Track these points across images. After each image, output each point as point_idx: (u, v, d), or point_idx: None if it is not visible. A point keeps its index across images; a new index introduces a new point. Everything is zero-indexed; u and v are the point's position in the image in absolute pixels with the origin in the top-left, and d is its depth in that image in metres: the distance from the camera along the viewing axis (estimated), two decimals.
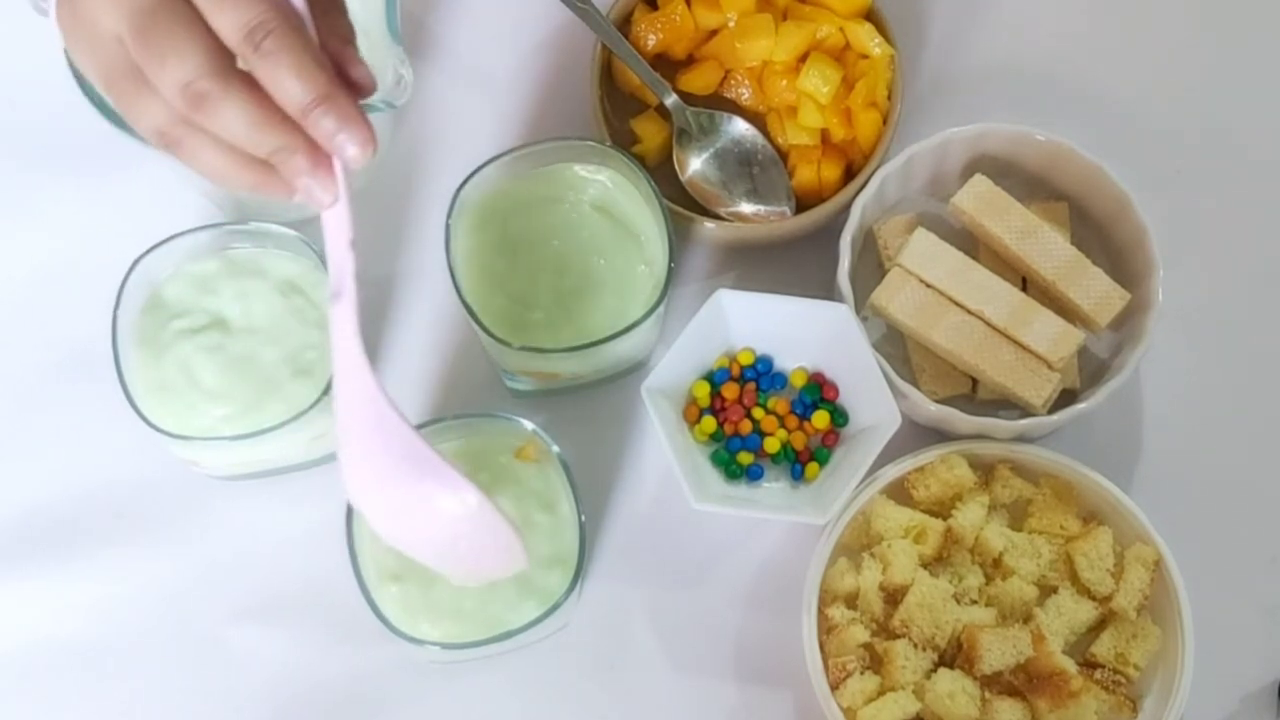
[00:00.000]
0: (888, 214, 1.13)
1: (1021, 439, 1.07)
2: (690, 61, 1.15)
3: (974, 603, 1.03)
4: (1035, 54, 1.21)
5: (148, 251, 1.01)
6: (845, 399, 1.09)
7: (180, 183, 1.15)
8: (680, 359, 1.06)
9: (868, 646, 1.02)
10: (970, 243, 1.11)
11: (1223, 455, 1.11)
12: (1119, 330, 1.10)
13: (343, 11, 0.84)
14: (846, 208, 1.09)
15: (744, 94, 1.13)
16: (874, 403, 1.04)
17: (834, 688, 1.00)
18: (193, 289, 1.03)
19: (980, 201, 1.09)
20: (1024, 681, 1.02)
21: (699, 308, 1.05)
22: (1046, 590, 1.04)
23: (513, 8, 1.20)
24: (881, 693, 1.01)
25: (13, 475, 1.09)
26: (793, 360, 1.10)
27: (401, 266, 1.14)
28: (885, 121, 1.11)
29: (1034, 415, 1.06)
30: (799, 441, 1.08)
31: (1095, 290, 1.07)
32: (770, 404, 1.09)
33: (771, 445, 1.07)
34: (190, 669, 1.06)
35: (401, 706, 1.05)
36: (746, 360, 1.09)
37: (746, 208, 1.11)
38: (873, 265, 1.12)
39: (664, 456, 1.04)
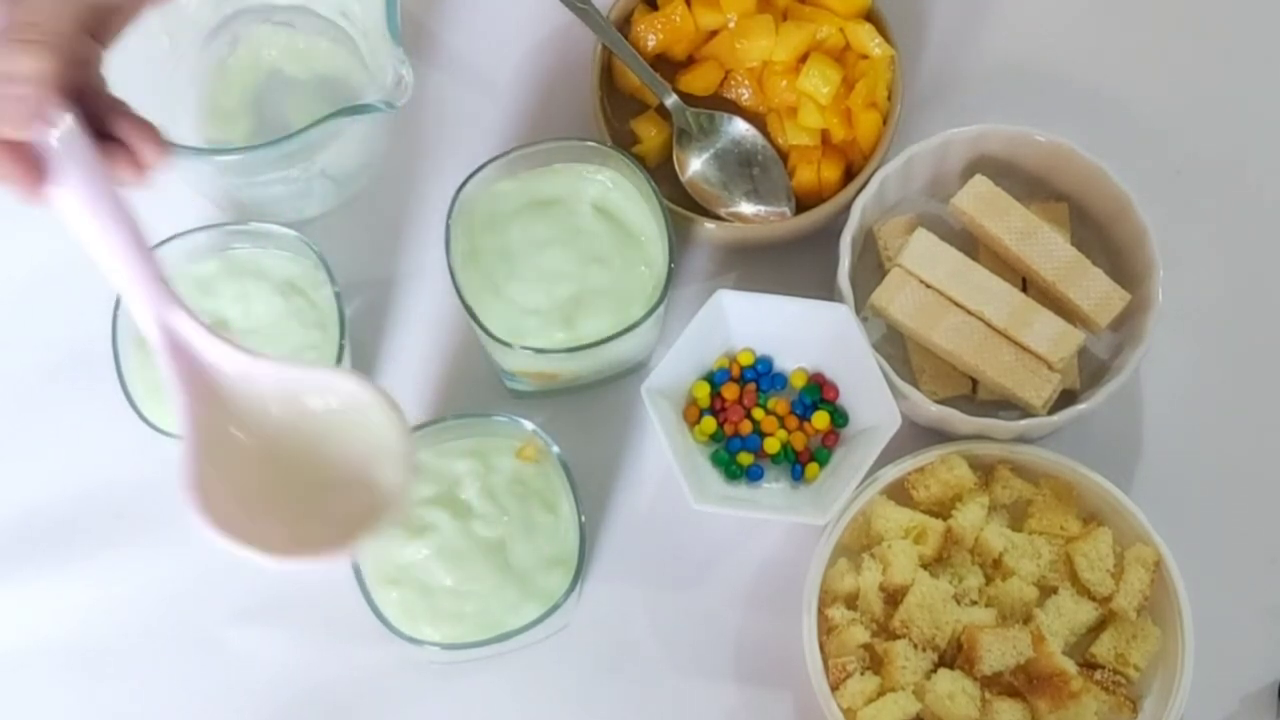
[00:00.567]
0: (888, 214, 1.13)
1: (1021, 439, 1.07)
2: (690, 62, 1.15)
3: (974, 603, 1.03)
4: (1035, 54, 1.21)
5: None
6: (845, 399, 1.09)
7: (180, 184, 1.15)
8: (680, 359, 1.06)
9: (868, 647, 1.02)
10: (970, 243, 1.11)
11: (1223, 455, 1.11)
12: (1119, 331, 1.10)
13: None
14: (846, 208, 1.09)
15: (744, 94, 1.13)
16: (874, 403, 1.04)
17: (834, 688, 1.01)
18: (193, 290, 1.03)
19: (980, 202, 1.09)
20: (1024, 682, 1.02)
21: (699, 308, 1.05)
22: (1046, 591, 1.04)
23: (513, 8, 1.20)
24: (881, 693, 1.01)
25: (13, 475, 1.10)
26: (793, 361, 1.10)
27: (402, 267, 1.14)
28: (885, 122, 1.11)
29: (1034, 416, 1.06)
30: (799, 442, 1.08)
31: (1095, 291, 1.07)
32: (770, 404, 1.09)
33: (771, 446, 1.07)
34: (190, 669, 1.06)
35: (402, 707, 1.05)
36: (746, 361, 1.09)
37: (746, 208, 1.11)
38: (873, 266, 1.12)
39: (664, 457, 1.04)
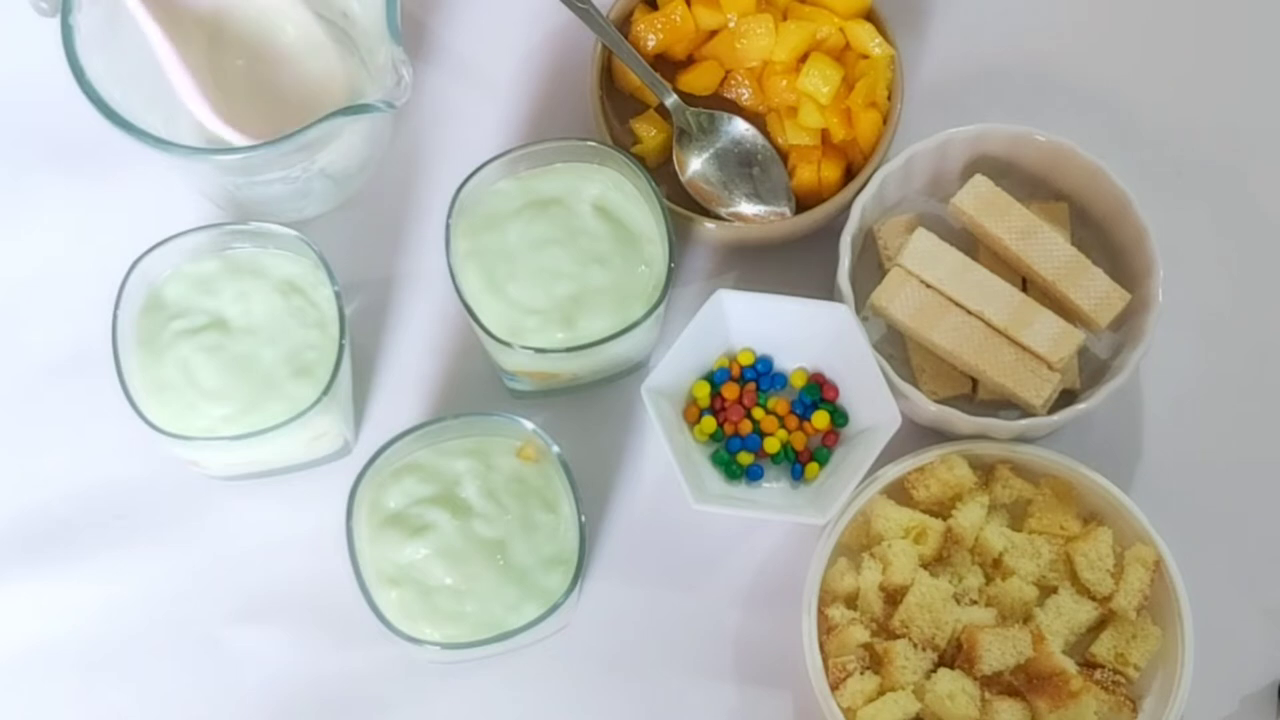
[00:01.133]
0: (888, 214, 1.13)
1: (1021, 439, 1.07)
2: (690, 62, 1.15)
3: (974, 603, 1.03)
4: (1036, 54, 1.20)
5: (147, 252, 1.01)
6: (845, 399, 1.09)
7: (180, 183, 1.15)
8: (680, 359, 1.06)
9: (867, 647, 1.02)
10: (970, 243, 1.11)
11: (1223, 455, 1.11)
12: (1119, 330, 1.10)
13: None
14: (846, 208, 1.09)
15: (744, 94, 1.13)
16: (874, 403, 1.04)
17: (834, 688, 1.01)
18: (192, 289, 1.03)
19: (980, 202, 1.09)
20: (1024, 682, 1.02)
21: (699, 308, 1.05)
22: (1046, 590, 1.04)
23: (513, 8, 1.20)
24: (881, 693, 1.01)
25: (13, 475, 1.10)
26: (793, 360, 1.10)
27: (402, 267, 1.14)
28: (885, 122, 1.11)
29: (1034, 415, 1.06)
30: (799, 442, 1.08)
31: (1095, 290, 1.07)
32: (770, 404, 1.09)
33: (771, 445, 1.07)
34: (190, 669, 1.06)
35: (402, 707, 1.05)
36: (746, 360, 1.09)
37: (746, 208, 1.11)
38: (873, 265, 1.12)
39: (664, 457, 1.04)
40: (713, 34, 1.13)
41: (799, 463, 1.08)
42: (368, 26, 1.08)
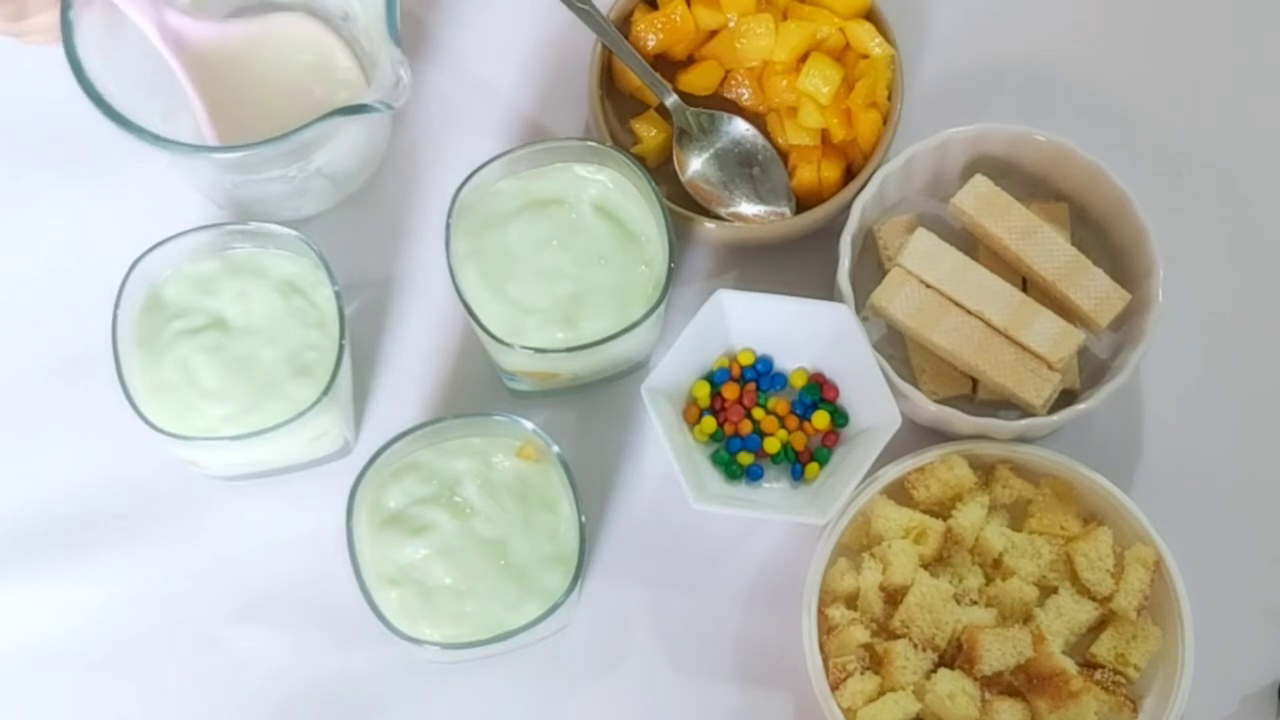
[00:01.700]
0: (888, 214, 1.13)
1: (1021, 439, 1.07)
2: (690, 62, 1.15)
3: (974, 603, 1.03)
4: (1035, 54, 1.21)
5: (147, 252, 1.01)
6: (845, 399, 1.09)
7: (180, 183, 1.15)
8: (680, 359, 1.06)
9: (868, 647, 1.02)
10: (970, 243, 1.11)
11: (1223, 455, 1.12)
12: (1119, 330, 1.10)
13: None
14: (846, 208, 1.09)
15: (744, 94, 1.13)
16: (874, 403, 1.05)
17: (834, 688, 1.01)
18: (192, 289, 1.03)
19: (980, 202, 1.09)
20: (1024, 682, 1.02)
21: (699, 308, 1.05)
22: (1046, 591, 1.04)
23: (513, 8, 1.20)
24: (881, 693, 1.01)
25: (13, 475, 1.09)
26: (793, 360, 1.10)
27: (402, 267, 1.14)
28: (885, 122, 1.11)
29: (1034, 416, 1.06)
30: (799, 442, 1.08)
31: (1095, 290, 1.07)
32: (770, 404, 1.09)
33: (771, 445, 1.07)
34: (190, 669, 1.06)
35: (402, 707, 1.05)
36: (746, 360, 1.09)
37: (747, 208, 1.11)
38: (873, 266, 1.12)
39: (664, 457, 1.04)
40: (713, 34, 1.13)
41: (799, 463, 1.08)
42: (368, 27, 1.08)
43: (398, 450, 0.99)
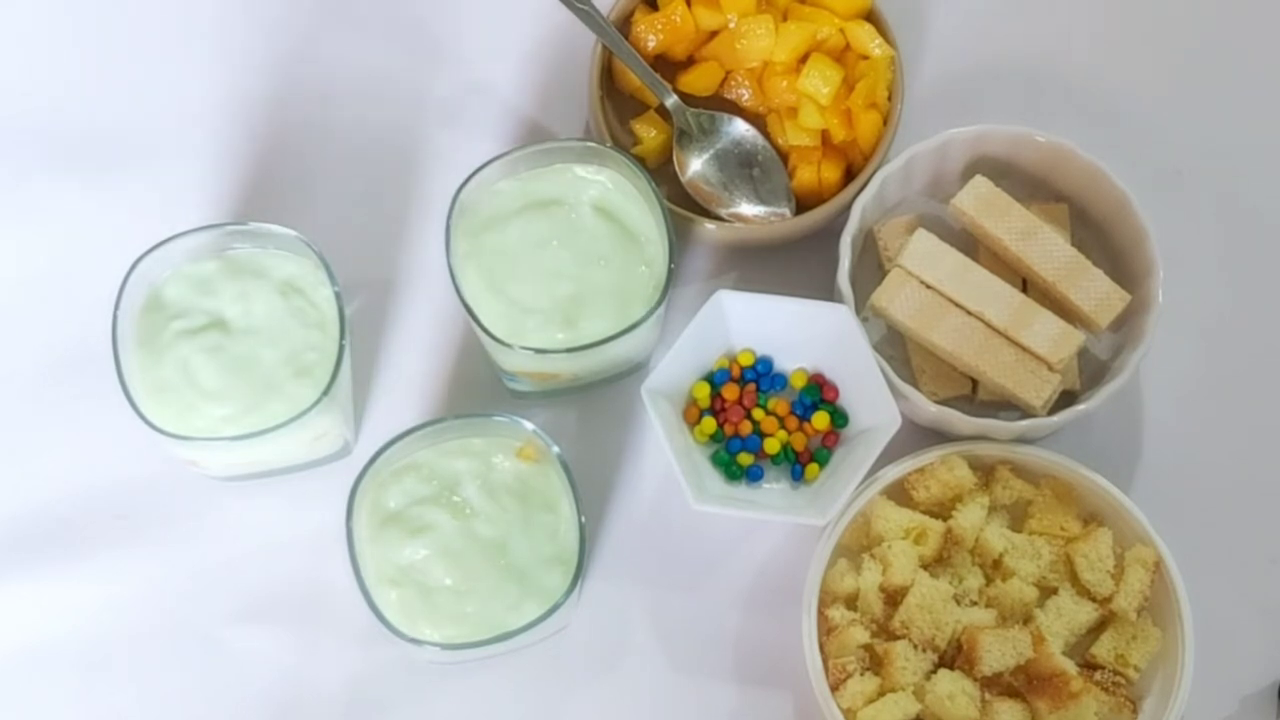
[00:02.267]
0: (888, 215, 1.13)
1: (1022, 440, 1.07)
2: (690, 62, 1.15)
3: (974, 604, 1.03)
4: (1035, 55, 1.21)
5: (147, 252, 1.01)
6: (845, 400, 1.09)
7: (180, 183, 1.15)
8: (680, 360, 1.06)
9: (868, 647, 1.02)
10: (970, 244, 1.11)
11: (1223, 456, 1.12)
12: (1119, 331, 1.10)
13: None
14: (847, 209, 1.09)
15: (744, 95, 1.13)
16: (874, 404, 1.04)
17: (834, 689, 1.01)
18: (192, 290, 1.03)
19: (980, 202, 1.09)
20: (1024, 683, 1.02)
21: (699, 308, 1.05)
22: (1046, 591, 1.04)
23: (513, 9, 1.20)
24: (881, 694, 1.01)
25: (13, 476, 1.09)
26: (793, 361, 1.10)
27: (402, 267, 1.14)
28: (885, 122, 1.11)
29: (1034, 416, 1.06)
30: (799, 442, 1.08)
31: (1095, 291, 1.07)
32: (770, 405, 1.09)
33: (771, 446, 1.07)
34: (190, 669, 1.06)
35: (402, 707, 1.05)
36: (747, 361, 1.09)
37: (747, 209, 1.11)
38: (873, 266, 1.12)
39: (664, 457, 1.04)
40: (713, 35, 1.13)
41: (799, 463, 1.08)
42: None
43: (398, 451, 0.99)
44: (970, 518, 1.04)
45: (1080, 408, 1.05)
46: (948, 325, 1.06)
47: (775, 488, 1.08)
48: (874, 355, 1.05)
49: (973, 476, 1.05)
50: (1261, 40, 1.22)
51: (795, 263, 1.13)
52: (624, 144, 1.12)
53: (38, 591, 1.07)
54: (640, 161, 1.06)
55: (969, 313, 1.06)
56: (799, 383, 1.09)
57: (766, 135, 1.13)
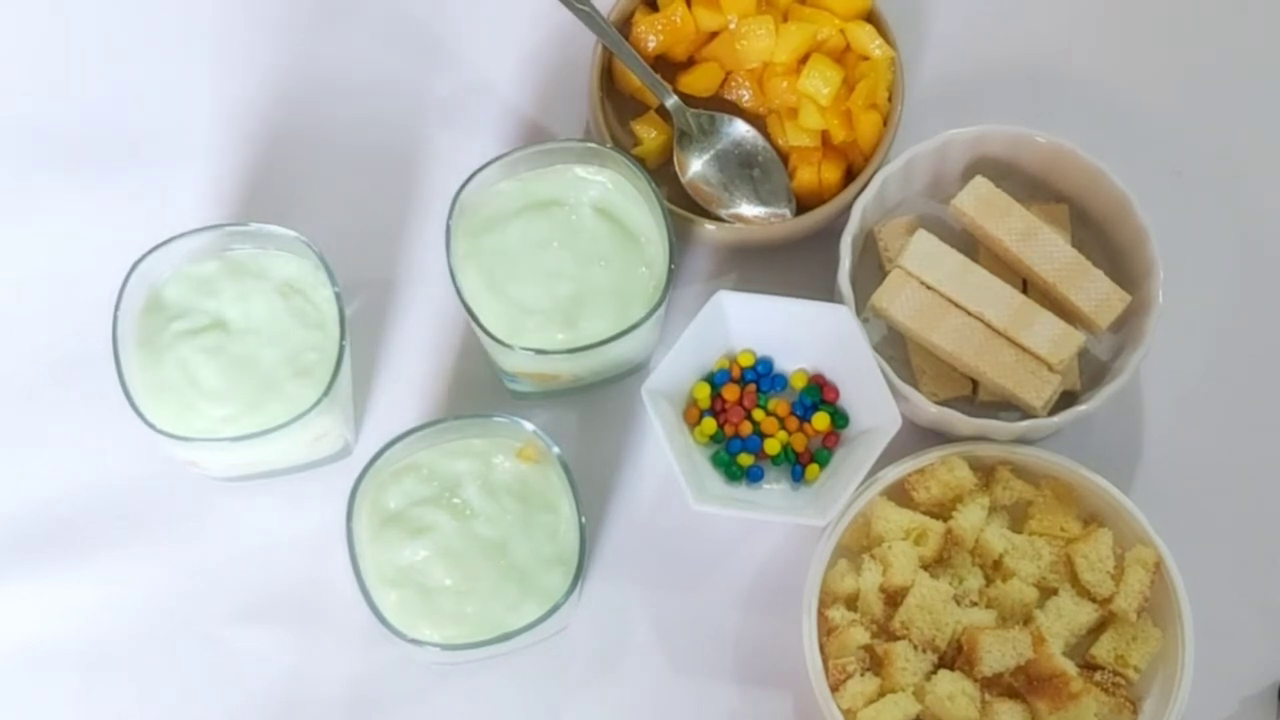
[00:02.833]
0: (888, 216, 1.13)
1: (1022, 441, 1.07)
2: (691, 63, 1.15)
3: (974, 604, 1.03)
4: (1035, 55, 1.21)
5: (148, 253, 1.01)
6: (845, 401, 1.09)
7: (180, 184, 1.15)
8: (680, 360, 1.06)
9: (868, 648, 1.02)
10: (971, 244, 1.11)
11: (1223, 457, 1.12)
12: (1119, 332, 1.10)
13: None
14: (847, 209, 1.09)
15: (744, 95, 1.13)
16: (874, 404, 1.04)
17: (834, 689, 1.01)
18: (193, 290, 1.03)
19: (981, 203, 1.09)
20: (1024, 683, 1.02)
21: (699, 309, 1.05)
22: (1047, 592, 1.04)
23: (513, 9, 1.20)
24: (881, 694, 1.01)
25: (13, 475, 1.09)
26: (793, 362, 1.10)
27: (402, 268, 1.14)
28: (886, 123, 1.11)
29: (1034, 417, 1.06)
30: (799, 443, 1.08)
31: (1096, 292, 1.07)
32: (771, 405, 1.09)
33: (772, 447, 1.07)
34: (190, 669, 1.06)
35: (402, 707, 1.05)
36: (747, 362, 1.09)
37: (747, 209, 1.11)
38: (873, 267, 1.12)
39: (664, 458, 1.04)
40: (713, 35, 1.13)
41: (799, 464, 1.08)
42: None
43: (398, 451, 0.99)
44: (970, 518, 1.04)
45: (1080, 408, 1.05)
46: (948, 326, 1.06)
47: (775, 488, 1.08)
48: (874, 356, 1.05)
49: (973, 477, 1.05)
50: (1262, 40, 1.22)
51: (795, 263, 1.13)
52: (624, 145, 1.12)
53: (38, 591, 1.07)
54: (640, 162, 1.06)
55: (969, 313, 1.06)
56: (799, 383, 1.09)
57: (767, 136, 1.13)
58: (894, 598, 1.03)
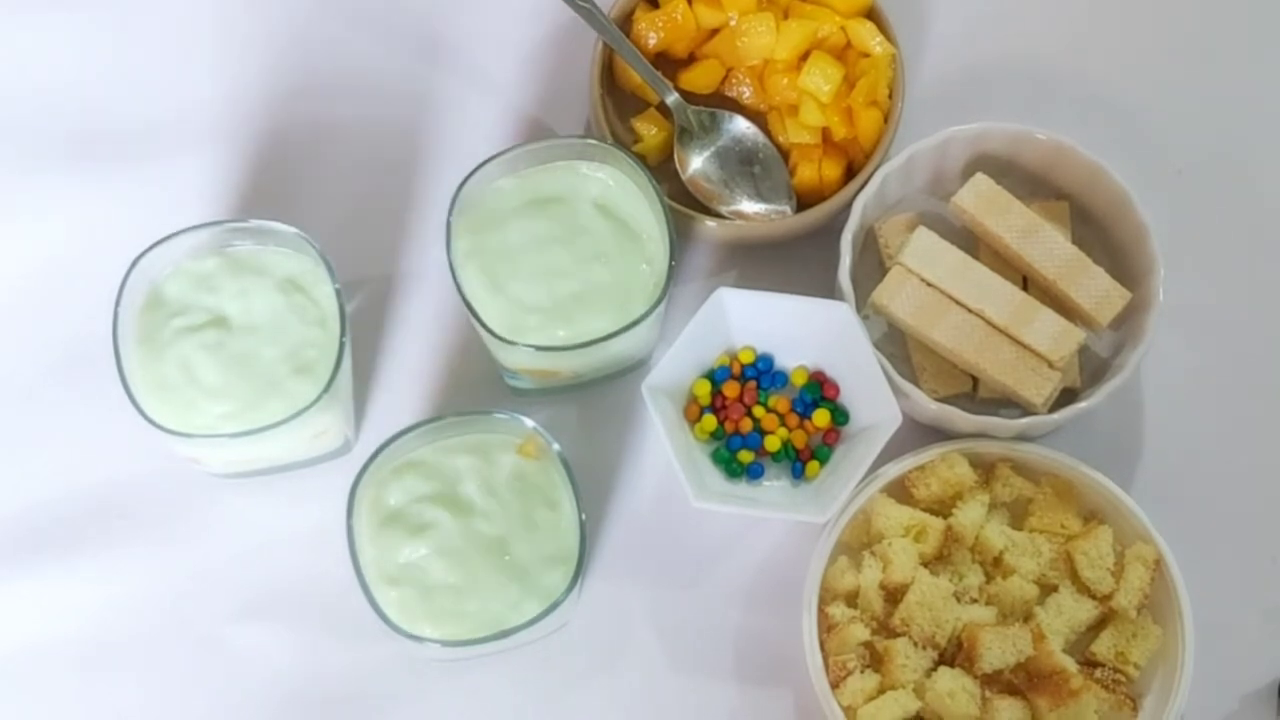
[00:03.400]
0: (889, 213, 1.13)
1: (1022, 438, 1.07)
2: (691, 60, 1.15)
3: (974, 601, 1.03)
4: (1035, 54, 1.21)
5: (148, 249, 1.01)
6: (846, 397, 1.09)
7: (181, 180, 1.15)
8: (681, 357, 1.06)
9: (868, 645, 1.02)
10: (971, 241, 1.11)
11: (1223, 455, 1.12)
12: (1119, 329, 1.10)
13: None
14: (847, 206, 1.09)
15: (745, 92, 1.13)
16: (875, 401, 1.05)
17: (834, 686, 1.01)
18: (193, 287, 1.03)
19: (981, 200, 1.09)
20: (1024, 680, 1.02)
21: (700, 306, 1.05)
22: (1047, 589, 1.04)
23: (514, 6, 1.20)
24: (881, 691, 1.01)
25: (14, 474, 1.09)
26: (793, 359, 1.10)
27: (403, 264, 1.14)
28: (886, 120, 1.11)
29: (1035, 414, 1.06)
30: (800, 440, 1.08)
31: (1096, 289, 1.07)
32: (771, 402, 1.09)
33: (772, 444, 1.07)
34: (191, 667, 1.06)
35: (402, 705, 1.05)
36: (747, 358, 1.09)
37: (747, 206, 1.11)
38: (874, 264, 1.12)
39: (664, 455, 1.04)
40: (714, 32, 1.13)
41: (800, 461, 1.08)
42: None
43: (398, 448, 0.99)
44: (970, 515, 1.04)
45: (1081, 405, 1.05)
46: (948, 323, 1.06)
47: (776, 485, 1.08)
48: (874, 353, 1.05)
49: (973, 474, 1.05)
50: (1262, 38, 1.22)
51: (796, 260, 1.13)
52: (625, 141, 1.12)
53: (39, 590, 1.07)
54: (641, 159, 1.06)
55: (969, 310, 1.06)
56: (800, 380, 1.09)
57: (767, 133, 1.13)
58: (894, 594, 1.03)
